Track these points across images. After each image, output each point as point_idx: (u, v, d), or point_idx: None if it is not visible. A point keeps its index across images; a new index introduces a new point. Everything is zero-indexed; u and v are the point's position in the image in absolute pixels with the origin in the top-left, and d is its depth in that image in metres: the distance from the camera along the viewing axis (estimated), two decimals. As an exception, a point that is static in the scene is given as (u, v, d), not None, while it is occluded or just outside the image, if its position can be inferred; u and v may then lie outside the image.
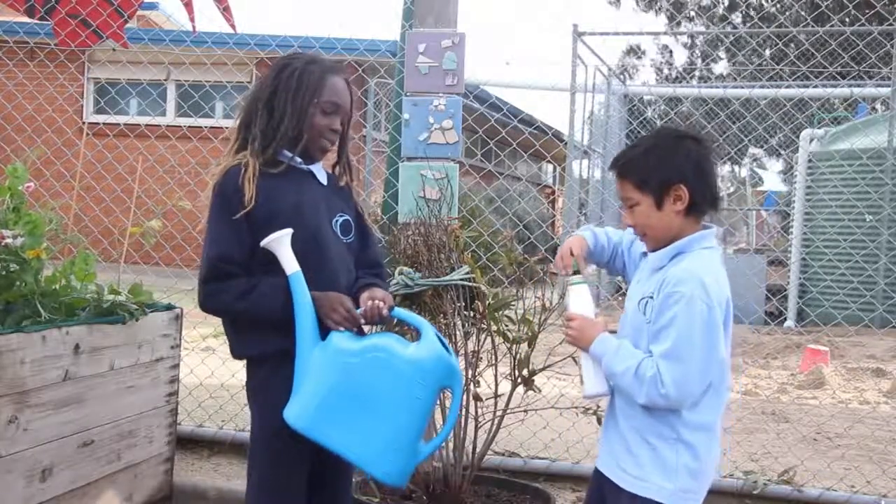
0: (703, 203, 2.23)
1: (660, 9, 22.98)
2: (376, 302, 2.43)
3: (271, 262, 2.39)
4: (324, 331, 2.39)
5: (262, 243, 2.36)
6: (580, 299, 2.34)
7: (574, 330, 2.27)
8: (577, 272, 2.36)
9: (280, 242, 2.36)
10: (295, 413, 2.33)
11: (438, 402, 3.12)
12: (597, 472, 2.35)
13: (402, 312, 2.52)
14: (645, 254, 2.34)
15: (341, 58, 4.62)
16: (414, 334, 2.56)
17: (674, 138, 2.28)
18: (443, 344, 2.45)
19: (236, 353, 2.53)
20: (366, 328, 2.53)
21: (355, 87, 2.66)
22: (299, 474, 2.47)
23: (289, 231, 2.37)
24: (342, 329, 2.39)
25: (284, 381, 2.37)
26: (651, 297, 2.19)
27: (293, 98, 2.48)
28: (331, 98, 2.51)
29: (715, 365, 2.15)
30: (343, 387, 2.34)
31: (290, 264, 2.36)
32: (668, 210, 2.22)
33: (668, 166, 2.21)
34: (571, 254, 2.38)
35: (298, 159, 2.53)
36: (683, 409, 2.15)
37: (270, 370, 2.44)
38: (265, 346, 2.45)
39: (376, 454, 2.35)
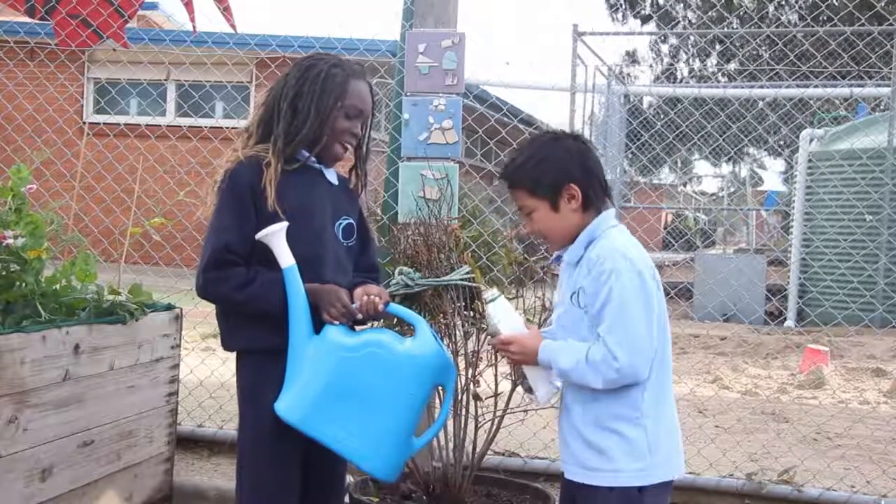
0: (595, 196, 2.29)
1: (649, 17, 23.02)
2: (372, 297, 2.44)
3: (272, 258, 2.40)
4: (317, 324, 2.39)
5: (258, 236, 2.37)
6: (506, 316, 2.38)
7: (517, 354, 2.32)
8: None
9: (276, 236, 2.36)
10: (287, 406, 2.33)
11: (434, 398, 3.13)
12: (565, 481, 2.35)
13: (396, 308, 2.52)
14: (559, 257, 2.38)
15: (341, 58, 4.61)
16: (410, 331, 2.57)
17: (554, 141, 2.34)
18: (436, 340, 2.46)
19: (227, 345, 2.53)
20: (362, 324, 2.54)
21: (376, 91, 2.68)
22: (292, 475, 2.46)
23: (284, 224, 2.37)
24: (338, 323, 2.39)
25: (276, 378, 2.37)
26: (581, 289, 2.23)
27: (318, 100, 2.49)
28: (354, 102, 2.53)
29: (658, 329, 2.18)
30: (338, 381, 2.34)
31: (286, 258, 2.37)
32: (564, 210, 2.28)
33: (556, 169, 2.27)
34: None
35: (313, 158, 2.54)
36: (644, 381, 2.17)
37: (261, 367, 2.44)
38: (256, 340, 2.45)
39: (369, 449, 2.35)
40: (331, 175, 2.60)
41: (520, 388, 3.09)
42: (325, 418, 2.32)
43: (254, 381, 2.47)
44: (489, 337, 2.46)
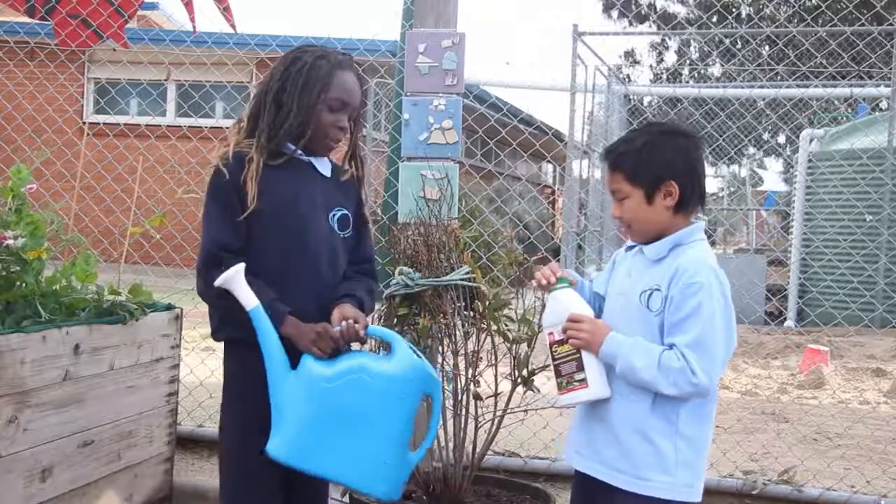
0: (691, 200, 2.26)
1: (646, 17, 23.03)
2: (350, 322, 2.38)
3: (264, 253, 2.42)
4: (294, 357, 2.37)
5: (216, 283, 2.34)
6: (576, 301, 2.32)
7: (586, 332, 2.24)
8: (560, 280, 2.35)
9: (234, 280, 2.34)
10: (279, 447, 2.32)
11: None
12: (581, 476, 2.33)
13: (375, 329, 2.47)
14: (632, 246, 2.35)
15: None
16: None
17: (666, 134, 2.29)
18: (416, 353, 2.43)
19: (216, 336, 2.53)
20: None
21: (366, 79, 2.63)
22: (273, 470, 2.45)
23: (240, 267, 2.34)
24: (323, 356, 2.36)
25: (260, 371, 2.36)
26: (657, 289, 2.20)
27: (300, 94, 2.47)
28: (338, 95, 2.49)
29: (731, 351, 2.19)
30: (325, 413, 2.32)
31: (248, 300, 2.34)
32: (657, 205, 2.24)
33: (660, 162, 2.23)
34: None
35: (300, 151, 2.53)
36: (684, 399, 2.17)
37: (247, 358, 2.42)
38: (242, 329, 2.42)
39: (367, 474, 2.34)
40: (323, 167, 2.58)
41: (520, 388, 3.10)
42: (318, 451, 2.31)
43: (235, 373, 2.48)
44: (550, 326, 2.35)
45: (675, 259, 2.21)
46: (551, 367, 2.34)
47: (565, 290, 2.33)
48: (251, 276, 2.40)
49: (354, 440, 2.32)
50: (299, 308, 2.42)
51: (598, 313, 2.38)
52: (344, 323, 2.38)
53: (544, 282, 2.35)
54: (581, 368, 2.26)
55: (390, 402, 2.35)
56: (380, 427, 2.34)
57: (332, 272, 2.52)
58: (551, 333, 2.32)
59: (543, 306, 3.06)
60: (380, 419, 2.34)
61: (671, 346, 2.15)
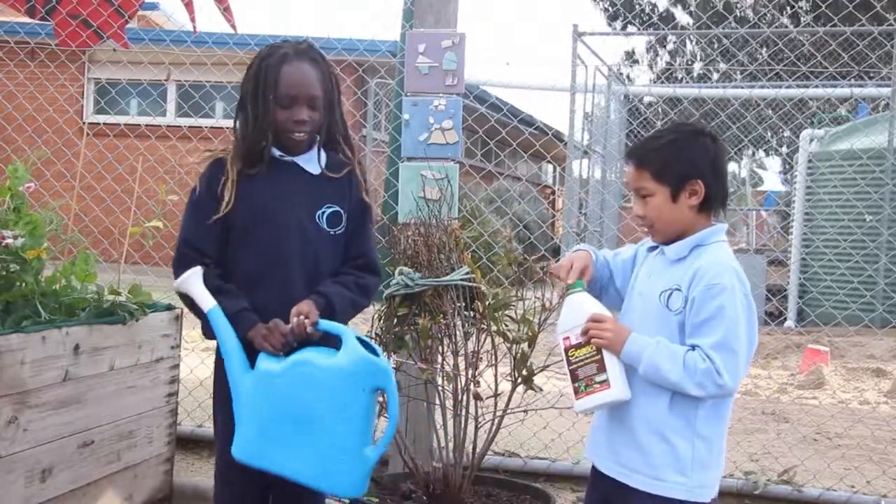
0: (715, 200, 2.27)
1: (650, 23, 23.05)
2: (301, 318, 2.39)
3: (238, 259, 2.49)
4: (253, 357, 2.41)
5: (174, 285, 2.43)
6: (594, 303, 2.30)
7: (610, 332, 2.21)
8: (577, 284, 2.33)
9: (189, 282, 2.39)
10: (237, 446, 2.34)
11: (439, 404, 3.13)
12: (597, 474, 2.33)
13: (325, 324, 2.45)
14: (653, 248, 2.35)
15: (341, 58, 4.61)
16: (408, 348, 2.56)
17: (693, 134, 2.30)
18: (370, 348, 2.43)
19: (205, 334, 2.56)
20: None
21: (329, 66, 2.56)
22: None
23: (197, 270, 2.41)
24: (273, 352, 2.39)
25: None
26: (677, 289, 2.20)
27: (253, 98, 2.50)
28: (286, 91, 2.48)
29: (753, 350, 2.19)
30: (277, 410, 2.33)
31: (206, 301, 2.40)
32: (682, 204, 2.24)
33: (688, 161, 2.24)
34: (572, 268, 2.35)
35: (278, 152, 2.54)
36: (702, 399, 2.17)
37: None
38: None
39: (322, 470, 2.34)
40: (311, 165, 2.57)
41: (520, 388, 3.10)
42: (273, 449, 2.32)
43: (223, 374, 2.49)
44: (570, 328, 2.30)
45: (695, 260, 2.21)
46: (566, 374, 2.29)
47: (582, 294, 2.30)
48: (229, 279, 2.47)
49: (306, 435, 2.32)
50: (272, 312, 2.44)
51: (608, 273, 2.38)
52: (294, 319, 2.39)
53: (563, 273, 2.32)
54: (602, 370, 2.22)
55: (338, 395, 2.35)
56: (329, 420, 2.34)
57: (311, 275, 2.53)
58: (566, 338, 2.28)
59: (544, 306, 3.07)
60: (330, 414, 2.34)
61: (693, 347, 2.15)
